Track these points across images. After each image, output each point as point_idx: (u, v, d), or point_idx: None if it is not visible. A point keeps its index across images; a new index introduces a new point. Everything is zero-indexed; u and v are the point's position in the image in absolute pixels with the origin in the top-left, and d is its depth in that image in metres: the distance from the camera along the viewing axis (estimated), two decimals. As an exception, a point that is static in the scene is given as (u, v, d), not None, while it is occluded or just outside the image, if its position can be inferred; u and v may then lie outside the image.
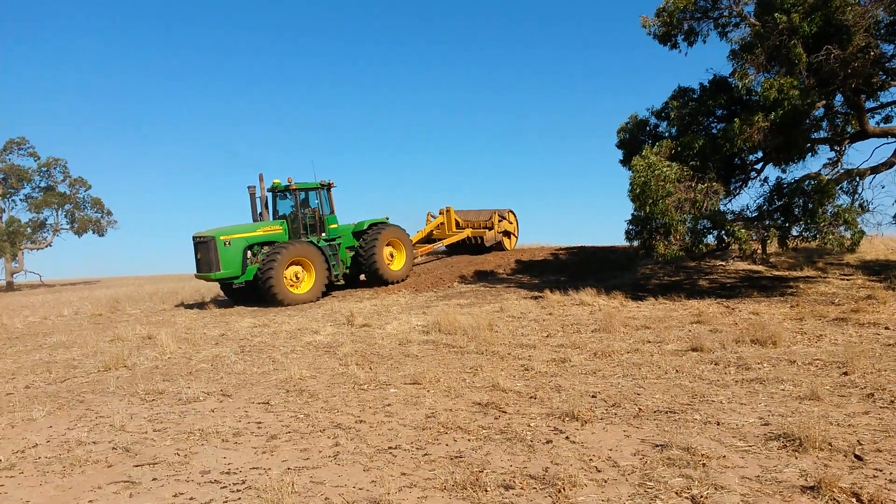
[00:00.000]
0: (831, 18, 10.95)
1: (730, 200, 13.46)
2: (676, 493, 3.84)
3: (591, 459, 4.47)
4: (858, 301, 10.37)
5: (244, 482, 4.43)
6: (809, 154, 12.84)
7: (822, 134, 12.96)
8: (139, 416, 6.26)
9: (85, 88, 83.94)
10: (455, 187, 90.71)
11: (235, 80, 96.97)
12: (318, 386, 7.08)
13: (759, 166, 13.55)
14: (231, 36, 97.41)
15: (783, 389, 5.92)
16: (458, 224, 21.14)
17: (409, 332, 10.08)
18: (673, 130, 13.47)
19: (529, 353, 8.15)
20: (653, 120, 14.36)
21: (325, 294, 16.09)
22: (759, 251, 12.96)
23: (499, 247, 21.31)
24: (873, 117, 13.24)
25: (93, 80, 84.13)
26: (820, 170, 12.59)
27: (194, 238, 15.26)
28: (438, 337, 9.69)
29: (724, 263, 16.28)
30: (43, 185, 41.28)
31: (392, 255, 17.79)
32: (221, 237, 14.84)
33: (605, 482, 4.07)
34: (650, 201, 11.67)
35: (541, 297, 13.21)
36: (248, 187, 16.63)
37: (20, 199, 41.22)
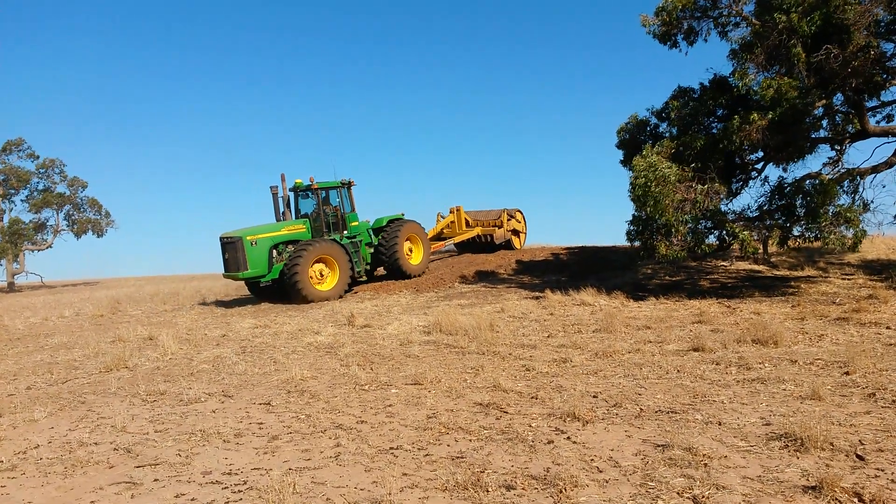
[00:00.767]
0: (831, 17, 10.94)
1: (731, 200, 13.46)
2: (678, 494, 3.84)
3: (592, 460, 4.48)
4: (860, 300, 10.36)
5: (245, 483, 4.43)
6: (809, 153, 12.84)
7: (823, 133, 12.95)
8: (140, 417, 6.27)
9: (84, 88, 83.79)
10: (455, 187, 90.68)
11: (235, 80, 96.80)
12: (320, 386, 7.09)
13: (759, 166, 13.55)
14: (231, 36, 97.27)
15: (784, 389, 5.91)
16: (467, 223, 21.39)
17: (410, 333, 10.08)
18: (673, 130, 13.44)
19: (531, 354, 8.15)
20: (653, 120, 14.35)
21: (348, 291, 16.27)
22: (760, 251, 12.95)
23: (508, 245, 21.54)
24: (874, 116, 13.24)
25: (92, 80, 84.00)
26: (820, 169, 12.60)
27: (221, 239, 15.39)
28: (439, 337, 9.69)
29: (725, 263, 16.28)
30: (41, 186, 41.26)
31: (411, 250, 18.17)
32: (248, 237, 14.98)
33: (607, 482, 4.07)
34: (651, 202, 11.66)
35: (542, 297, 13.20)
36: (271, 187, 16.82)
37: (21, 200, 41.23)
